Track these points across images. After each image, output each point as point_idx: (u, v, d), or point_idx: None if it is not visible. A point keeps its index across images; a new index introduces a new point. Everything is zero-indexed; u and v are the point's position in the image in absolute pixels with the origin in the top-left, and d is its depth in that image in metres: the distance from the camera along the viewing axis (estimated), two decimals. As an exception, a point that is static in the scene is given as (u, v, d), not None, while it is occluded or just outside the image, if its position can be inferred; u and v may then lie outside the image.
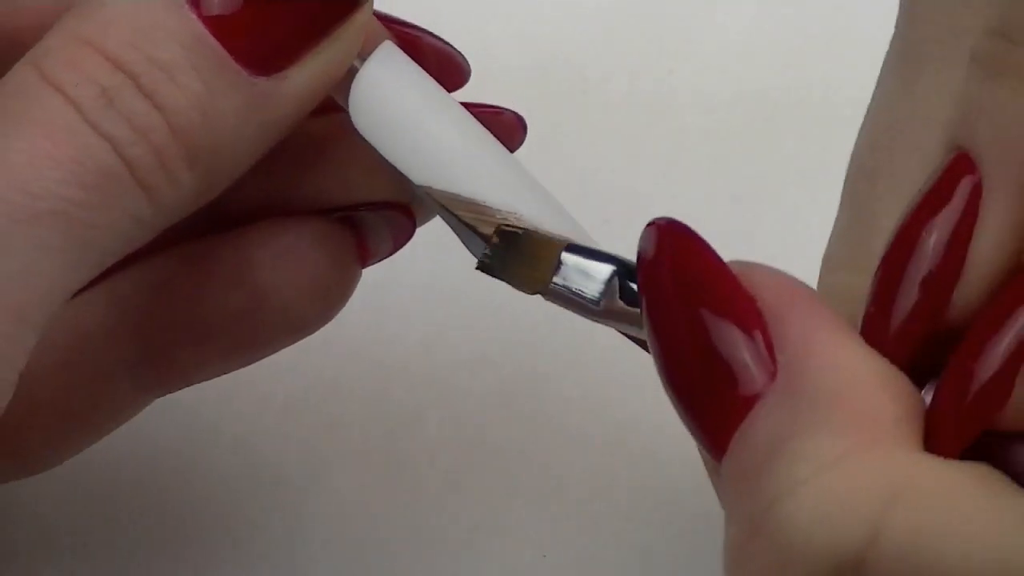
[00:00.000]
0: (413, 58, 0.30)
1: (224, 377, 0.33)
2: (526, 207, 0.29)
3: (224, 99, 0.27)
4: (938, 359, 0.24)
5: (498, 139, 0.30)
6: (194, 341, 0.31)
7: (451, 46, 0.32)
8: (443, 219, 0.29)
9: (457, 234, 0.29)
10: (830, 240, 0.28)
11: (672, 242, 0.25)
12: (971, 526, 0.21)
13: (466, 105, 0.30)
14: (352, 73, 0.29)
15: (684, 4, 0.45)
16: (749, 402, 0.24)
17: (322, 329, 0.35)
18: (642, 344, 0.27)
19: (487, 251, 0.29)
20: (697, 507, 0.37)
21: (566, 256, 0.28)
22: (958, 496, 0.22)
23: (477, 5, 0.44)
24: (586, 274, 0.28)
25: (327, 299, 0.31)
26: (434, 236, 0.32)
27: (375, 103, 0.29)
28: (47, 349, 0.30)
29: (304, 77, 0.28)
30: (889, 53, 0.28)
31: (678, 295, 0.24)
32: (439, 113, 0.29)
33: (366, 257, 0.32)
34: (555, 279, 0.28)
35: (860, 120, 0.43)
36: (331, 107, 0.30)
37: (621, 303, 0.27)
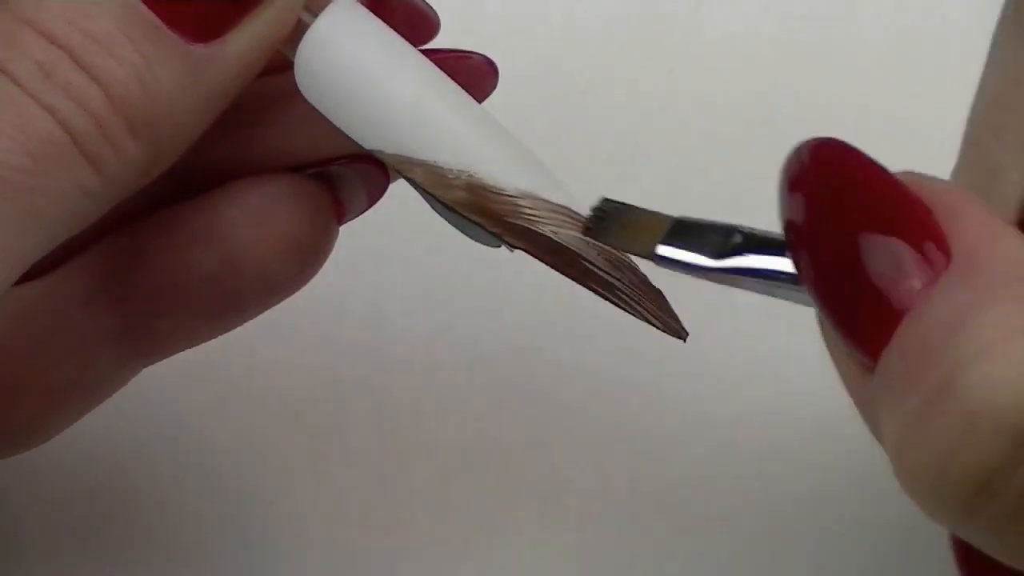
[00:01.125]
0: (379, 11, 0.30)
1: (222, 376, 0.33)
2: (485, 164, 0.29)
3: (162, 68, 0.27)
4: None
5: (468, 86, 0.30)
6: (172, 307, 0.31)
7: None
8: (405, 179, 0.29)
9: (420, 194, 0.29)
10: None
11: (826, 173, 0.24)
12: None
13: (432, 52, 0.30)
14: (303, 30, 0.29)
15: (685, 4, 0.45)
16: (916, 297, 0.23)
17: (322, 328, 0.35)
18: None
19: (591, 217, 0.29)
20: (698, 507, 0.37)
21: (672, 230, 0.28)
22: None
23: (477, 7, 0.44)
24: (693, 240, 0.27)
25: (303, 256, 0.31)
26: (434, 236, 0.32)
27: (320, 64, 0.29)
28: (26, 323, 0.30)
29: (244, 41, 0.28)
30: (1006, 9, 0.27)
31: (837, 229, 0.24)
32: (393, 69, 0.29)
33: (341, 213, 0.32)
34: (660, 248, 0.27)
35: (861, 121, 0.43)
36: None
37: (734, 264, 0.27)
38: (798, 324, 0.28)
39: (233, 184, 0.31)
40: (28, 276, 0.27)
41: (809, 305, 0.25)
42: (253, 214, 0.30)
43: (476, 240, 0.29)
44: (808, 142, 0.25)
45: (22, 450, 0.32)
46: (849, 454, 0.37)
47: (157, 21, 0.27)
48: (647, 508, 0.37)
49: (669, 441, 0.38)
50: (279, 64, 0.29)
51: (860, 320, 0.24)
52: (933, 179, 0.24)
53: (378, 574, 0.37)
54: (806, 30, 0.45)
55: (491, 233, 0.29)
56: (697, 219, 0.28)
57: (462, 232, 0.29)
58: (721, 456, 0.38)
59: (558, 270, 0.29)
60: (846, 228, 0.24)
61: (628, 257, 0.29)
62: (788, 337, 0.37)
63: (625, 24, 0.45)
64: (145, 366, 0.32)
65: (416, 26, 0.31)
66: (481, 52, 0.31)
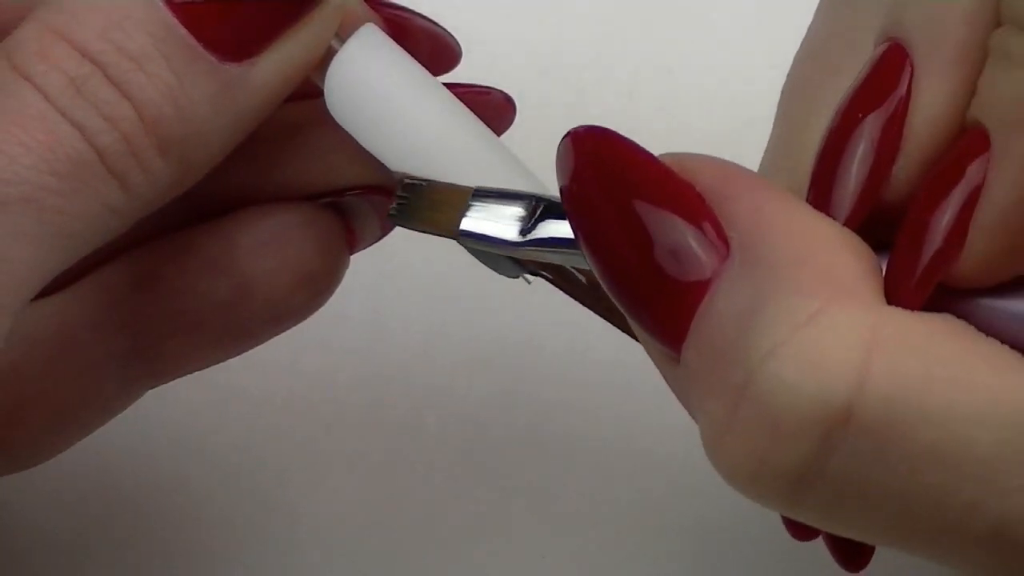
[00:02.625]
0: (402, 40, 0.30)
1: (223, 378, 0.33)
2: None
3: (195, 87, 0.27)
4: (881, 240, 0.24)
5: (486, 120, 0.30)
6: (182, 332, 0.31)
7: (441, 27, 0.31)
8: None
9: None
10: (764, 155, 0.28)
11: (591, 144, 0.25)
12: (951, 369, 0.21)
13: (452, 86, 0.30)
14: (331, 56, 0.29)
15: (682, 4, 0.45)
16: (703, 287, 0.23)
17: (321, 329, 0.35)
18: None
19: (393, 203, 0.29)
20: (696, 508, 0.37)
21: (474, 200, 0.28)
22: (934, 342, 0.22)
23: (475, 6, 0.44)
24: (496, 213, 0.28)
25: (314, 286, 0.31)
26: (433, 237, 0.32)
27: (351, 87, 0.29)
28: (34, 343, 0.30)
29: (276, 63, 0.28)
30: None
31: (605, 193, 0.24)
32: (419, 97, 0.29)
33: (354, 243, 0.32)
34: (464, 222, 0.28)
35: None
36: (313, 91, 0.30)
37: (536, 235, 0.27)
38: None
39: (247, 211, 0.31)
40: (39, 293, 0.27)
41: None
42: (266, 243, 0.30)
43: (493, 269, 0.29)
44: (576, 129, 0.25)
45: (25, 467, 0.32)
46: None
47: (191, 40, 0.27)
48: (647, 508, 0.37)
49: (670, 440, 0.38)
50: (297, 92, 0.29)
51: (655, 311, 0.24)
52: (697, 157, 0.25)
53: (377, 574, 0.37)
54: (805, 29, 0.45)
55: (511, 260, 0.29)
56: (498, 188, 0.28)
57: (479, 260, 0.29)
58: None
59: (577, 299, 0.29)
60: (617, 197, 0.24)
61: None
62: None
63: (624, 23, 0.45)
64: (151, 388, 0.32)
65: (438, 55, 0.31)
66: (483, 52, 0.31)
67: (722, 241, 0.23)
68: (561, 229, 0.27)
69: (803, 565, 0.36)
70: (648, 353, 0.25)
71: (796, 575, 0.36)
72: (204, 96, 0.27)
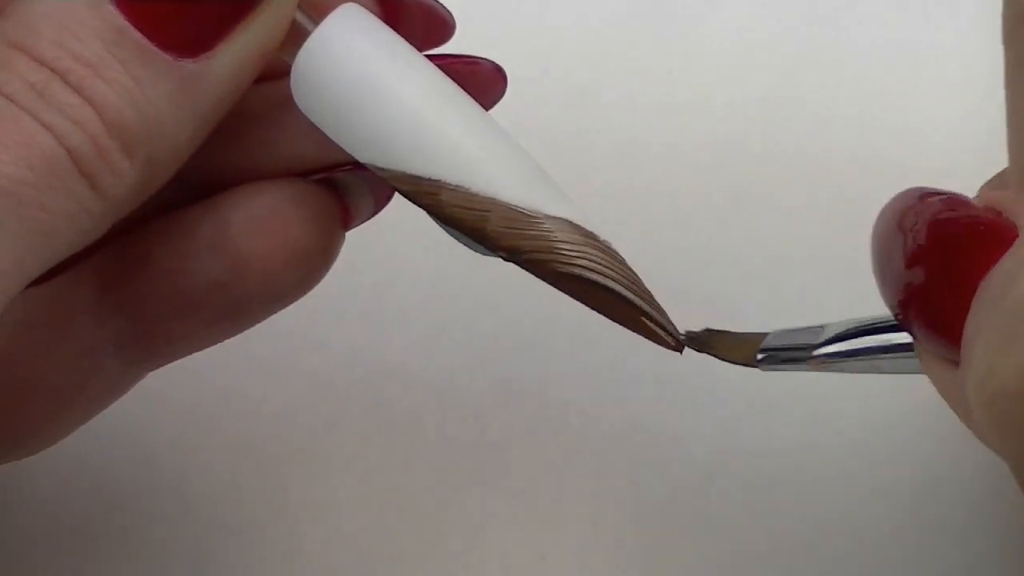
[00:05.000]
0: (395, 13, 0.30)
1: (222, 376, 0.32)
2: (481, 178, 0.29)
3: (153, 88, 0.27)
4: None
5: (476, 93, 0.30)
6: (178, 313, 0.31)
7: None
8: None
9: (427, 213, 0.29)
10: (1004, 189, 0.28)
11: (936, 232, 0.25)
12: None
13: (440, 57, 0.30)
14: (304, 36, 0.29)
15: (682, 5, 0.45)
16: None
17: (320, 329, 0.35)
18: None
19: (694, 333, 0.30)
20: (697, 507, 0.37)
21: (768, 340, 0.29)
22: None
23: (475, 9, 0.44)
24: (791, 339, 0.29)
25: (310, 263, 0.31)
26: (433, 236, 0.32)
27: (317, 75, 0.29)
28: (31, 328, 0.30)
29: (234, 54, 0.28)
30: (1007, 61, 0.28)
31: (957, 301, 0.24)
32: (394, 80, 0.29)
33: (348, 219, 0.32)
34: (760, 355, 0.29)
35: (858, 121, 0.43)
36: None
37: (829, 353, 0.28)
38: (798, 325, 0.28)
39: (239, 189, 0.31)
40: (34, 281, 0.27)
41: (905, 372, 0.27)
42: (260, 221, 0.30)
43: (472, 249, 0.29)
44: (920, 221, 0.25)
45: (25, 455, 0.31)
46: (850, 454, 0.38)
47: (145, 41, 0.27)
48: (647, 508, 0.37)
49: (669, 441, 0.38)
50: (285, 69, 0.29)
51: (947, 324, 0.24)
52: (1000, 194, 0.25)
53: (377, 574, 0.37)
54: (805, 32, 0.45)
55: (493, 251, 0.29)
56: (786, 328, 0.29)
57: (459, 241, 0.29)
58: (721, 456, 0.38)
59: (553, 285, 0.29)
60: (963, 280, 0.24)
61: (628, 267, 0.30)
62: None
63: (624, 25, 0.45)
64: (149, 371, 0.32)
65: (432, 28, 0.31)
66: (485, 56, 0.31)
67: (1012, 235, 0.24)
68: (864, 341, 0.28)
69: (804, 567, 0.36)
70: (934, 382, 0.26)
71: (794, 573, 0.36)
72: (163, 95, 0.27)
